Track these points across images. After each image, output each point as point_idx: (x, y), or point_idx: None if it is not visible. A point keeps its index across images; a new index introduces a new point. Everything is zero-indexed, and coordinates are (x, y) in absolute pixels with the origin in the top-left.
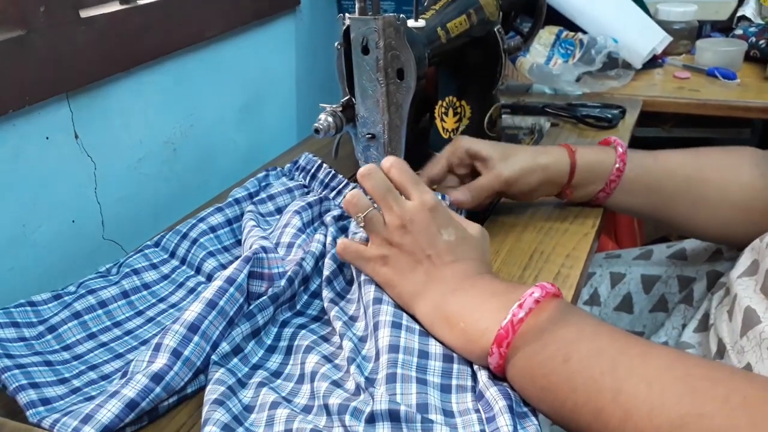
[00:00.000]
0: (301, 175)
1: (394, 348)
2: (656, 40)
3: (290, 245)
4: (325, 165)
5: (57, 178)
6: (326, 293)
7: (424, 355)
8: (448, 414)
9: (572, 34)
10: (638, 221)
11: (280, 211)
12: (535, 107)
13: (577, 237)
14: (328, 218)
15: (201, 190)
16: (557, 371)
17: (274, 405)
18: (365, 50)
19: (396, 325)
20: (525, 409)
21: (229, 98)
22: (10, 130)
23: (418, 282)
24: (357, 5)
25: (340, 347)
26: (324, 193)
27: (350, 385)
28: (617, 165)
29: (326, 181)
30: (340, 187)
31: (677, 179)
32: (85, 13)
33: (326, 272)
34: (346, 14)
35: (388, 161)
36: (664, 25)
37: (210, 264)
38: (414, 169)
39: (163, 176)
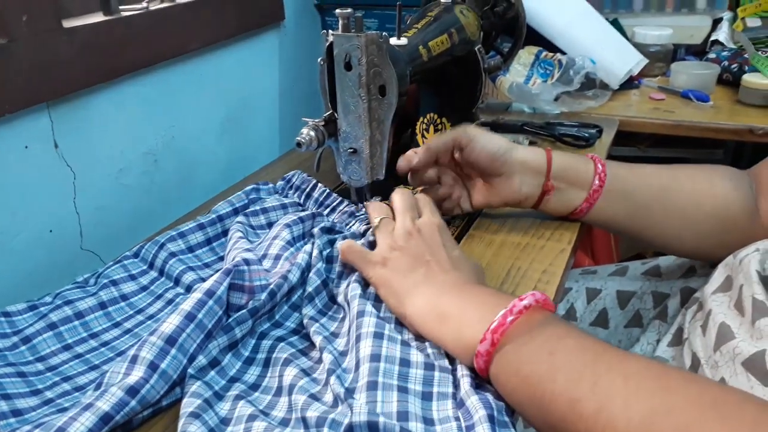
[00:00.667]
0: (295, 194)
1: (375, 357)
2: (633, 62)
3: (277, 257)
4: (320, 185)
5: (35, 188)
6: (306, 310)
7: (405, 363)
8: (428, 422)
9: (551, 54)
10: (615, 238)
11: (271, 225)
12: (514, 125)
13: (554, 253)
14: (316, 230)
15: (182, 202)
16: (541, 361)
17: (252, 418)
18: (348, 66)
19: (378, 335)
20: (506, 419)
21: (212, 110)
22: None
23: (415, 281)
24: (340, 22)
25: (319, 361)
26: (318, 210)
27: (328, 398)
28: (599, 173)
29: (320, 199)
30: (335, 204)
31: (653, 188)
32: (68, 24)
33: (309, 288)
34: (330, 31)
35: (417, 190)
36: (641, 47)
37: (189, 276)
38: (395, 185)
39: (143, 187)
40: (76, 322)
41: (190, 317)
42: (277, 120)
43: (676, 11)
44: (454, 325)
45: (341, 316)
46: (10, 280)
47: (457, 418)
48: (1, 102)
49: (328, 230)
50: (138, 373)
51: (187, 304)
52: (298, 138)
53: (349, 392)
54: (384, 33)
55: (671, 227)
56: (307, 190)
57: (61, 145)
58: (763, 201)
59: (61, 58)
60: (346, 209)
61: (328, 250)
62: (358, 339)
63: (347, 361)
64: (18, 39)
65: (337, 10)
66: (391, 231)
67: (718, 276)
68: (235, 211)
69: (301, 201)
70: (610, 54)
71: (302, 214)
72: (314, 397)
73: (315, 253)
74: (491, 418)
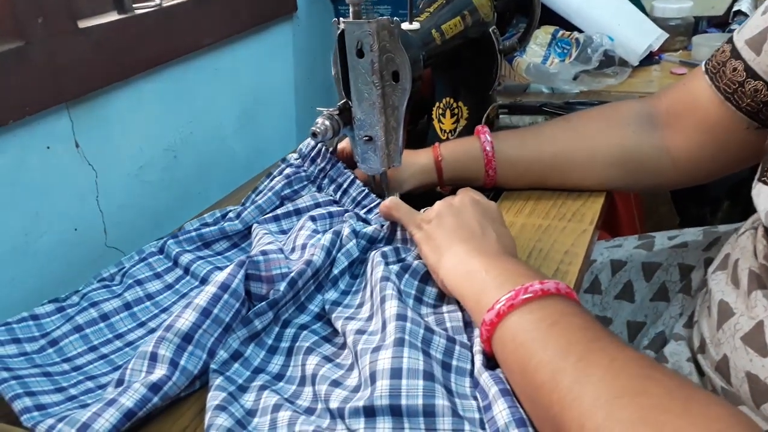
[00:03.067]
0: (331, 187)
1: (401, 317)
2: (652, 37)
3: (303, 246)
4: (358, 182)
5: (58, 187)
6: (329, 295)
7: (429, 329)
8: (449, 392)
9: (568, 33)
10: (639, 216)
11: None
12: (533, 106)
13: (575, 234)
14: (348, 217)
15: (201, 197)
16: (540, 330)
17: (276, 408)
18: (360, 54)
19: (401, 299)
20: None
21: (228, 104)
22: (12, 140)
23: (457, 239)
24: (351, 9)
25: (343, 347)
26: (355, 209)
27: (350, 382)
28: (488, 171)
29: (358, 198)
30: (372, 205)
31: (544, 161)
32: (83, 24)
33: (335, 271)
34: (341, 18)
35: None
36: (660, 21)
37: (215, 275)
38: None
39: (164, 183)
40: (102, 324)
41: (205, 313)
42: (293, 111)
43: None
44: (477, 286)
45: (362, 286)
46: (37, 280)
47: (475, 397)
48: (21, 104)
49: (360, 219)
50: (160, 371)
51: (202, 299)
52: (313, 128)
53: (376, 351)
54: (395, 18)
55: (570, 180)
56: (344, 186)
57: (82, 145)
58: (667, 134)
59: (78, 58)
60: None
61: (362, 227)
62: (383, 300)
63: (373, 324)
64: (34, 41)
65: None
66: (449, 199)
67: (720, 254)
68: (265, 213)
69: (337, 197)
70: (629, 30)
71: (333, 209)
72: (336, 383)
73: (347, 232)
74: (505, 392)
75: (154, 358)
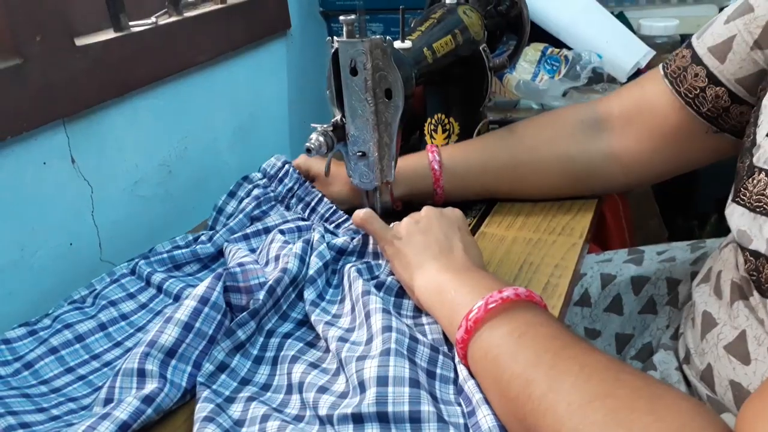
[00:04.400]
0: (299, 206)
1: (387, 328)
2: (640, 54)
3: (276, 258)
4: (326, 199)
5: (54, 202)
6: (307, 294)
7: (414, 339)
8: (434, 398)
9: (557, 50)
10: (629, 230)
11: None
12: None
13: (565, 247)
14: (317, 226)
15: (196, 211)
16: (509, 343)
17: (265, 418)
18: (353, 71)
19: (386, 311)
20: None
21: (223, 120)
22: (8, 155)
23: (427, 256)
24: (345, 29)
25: (327, 351)
26: (323, 225)
27: (337, 387)
28: (437, 189)
29: (326, 215)
30: (340, 221)
31: (490, 173)
32: (80, 42)
33: (311, 271)
34: (334, 37)
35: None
36: (647, 39)
37: (188, 292)
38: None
39: (159, 198)
40: (77, 345)
41: (188, 327)
42: (287, 127)
43: (682, 2)
44: (448, 306)
45: (339, 298)
46: (32, 295)
47: (459, 404)
48: (18, 120)
49: (329, 232)
50: (151, 385)
51: (182, 313)
52: (308, 144)
53: (361, 360)
54: (388, 37)
55: (518, 192)
56: (313, 204)
57: (78, 160)
58: (616, 138)
59: (74, 75)
60: (351, 226)
61: (331, 239)
62: (368, 315)
63: (355, 335)
64: (32, 59)
65: (341, 17)
66: (415, 216)
67: (705, 267)
68: (234, 233)
69: (305, 215)
70: (617, 47)
71: (302, 223)
72: (323, 389)
73: (317, 237)
74: (488, 400)
75: (142, 374)
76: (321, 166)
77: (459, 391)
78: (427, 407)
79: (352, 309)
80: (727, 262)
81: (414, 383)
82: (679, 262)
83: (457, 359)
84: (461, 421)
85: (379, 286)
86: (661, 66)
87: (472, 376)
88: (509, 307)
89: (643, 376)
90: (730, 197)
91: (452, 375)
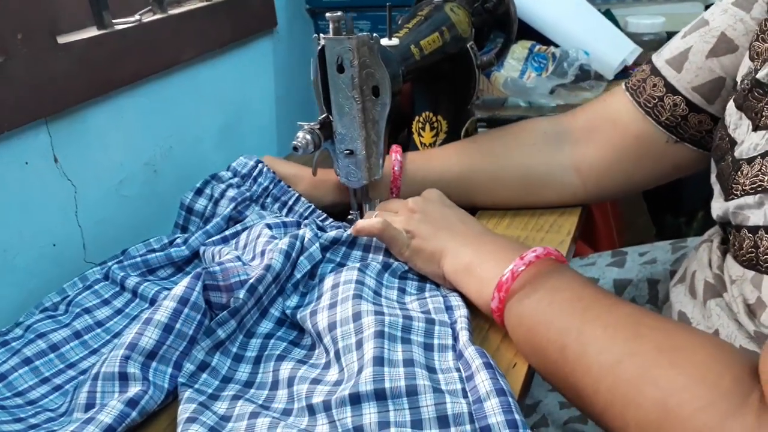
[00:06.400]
0: (275, 205)
1: (379, 312)
2: (626, 51)
3: (263, 253)
4: (303, 199)
5: (37, 203)
6: (291, 301)
7: (407, 317)
8: (431, 370)
9: (545, 48)
10: (617, 228)
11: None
12: (510, 120)
13: (553, 245)
14: (306, 222)
15: None
16: (540, 311)
17: (254, 415)
18: (340, 69)
19: (378, 312)
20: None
21: (209, 118)
22: None
23: (442, 240)
24: (331, 26)
25: (312, 347)
26: (315, 221)
27: (330, 377)
28: (394, 171)
29: (305, 214)
30: (319, 220)
31: (446, 180)
32: (62, 39)
33: (298, 275)
34: (321, 35)
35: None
36: (634, 36)
37: (165, 294)
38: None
39: (144, 198)
40: (52, 355)
41: (168, 329)
42: (274, 125)
43: None
44: (476, 280)
45: (318, 281)
46: (16, 297)
47: (458, 369)
48: None
49: (319, 228)
50: (135, 388)
51: (162, 315)
52: (294, 142)
53: (348, 348)
54: (375, 34)
55: (476, 200)
56: (290, 203)
57: (61, 160)
58: (577, 151)
59: (57, 73)
60: (335, 223)
61: (322, 237)
62: (345, 299)
63: (340, 311)
64: (14, 57)
65: (328, 14)
66: (397, 211)
67: (681, 268)
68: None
69: (283, 215)
70: (604, 45)
71: (286, 219)
72: (316, 381)
73: (309, 236)
74: (487, 365)
75: (124, 377)
76: (286, 168)
77: (459, 356)
78: (422, 381)
79: (333, 288)
80: (701, 262)
81: (408, 363)
82: (660, 263)
83: (458, 326)
84: (459, 386)
85: (385, 267)
86: (624, 82)
87: (472, 344)
88: (533, 271)
89: (662, 327)
90: (722, 200)
91: (450, 342)
